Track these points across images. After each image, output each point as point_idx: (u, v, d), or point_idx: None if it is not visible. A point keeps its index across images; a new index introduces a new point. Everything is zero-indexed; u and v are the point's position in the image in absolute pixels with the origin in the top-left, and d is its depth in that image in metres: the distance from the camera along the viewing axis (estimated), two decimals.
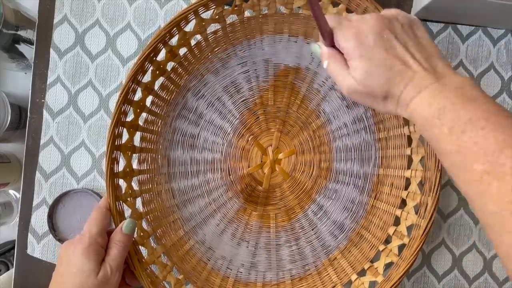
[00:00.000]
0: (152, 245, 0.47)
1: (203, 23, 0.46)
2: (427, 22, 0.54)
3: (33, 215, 0.54)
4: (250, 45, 0.52)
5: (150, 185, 0.50)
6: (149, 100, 0.48)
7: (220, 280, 0.51)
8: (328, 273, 0.51)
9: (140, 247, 0.43)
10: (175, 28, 0.43)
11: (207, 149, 0.54)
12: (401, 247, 0.45)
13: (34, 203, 0.54)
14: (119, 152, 0.43)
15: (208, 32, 0.48)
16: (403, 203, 0.48)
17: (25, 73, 0.62)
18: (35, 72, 0.54)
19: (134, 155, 0.47)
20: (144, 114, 0.48)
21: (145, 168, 0.50)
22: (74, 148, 0.54)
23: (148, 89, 0.46)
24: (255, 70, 0.53)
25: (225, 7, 0.45)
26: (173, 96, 0.52)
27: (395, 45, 0.31)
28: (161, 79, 0.48)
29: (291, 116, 0.54)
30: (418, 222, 0.43)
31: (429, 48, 0.32)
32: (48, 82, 0.54)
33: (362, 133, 0.53)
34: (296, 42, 0.52)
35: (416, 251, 0.41)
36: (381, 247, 0.48)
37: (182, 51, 0.48)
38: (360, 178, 0.53)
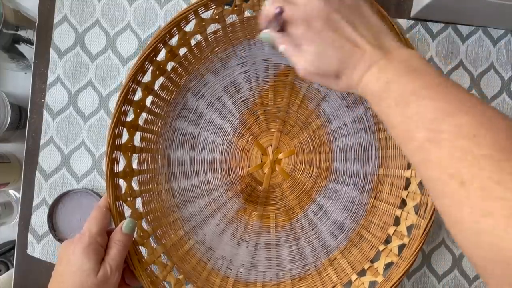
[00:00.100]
0: (152, 245, 0.47)
1: (203, 23, 0.46)
2: (427, 22, 0.54)
3: (33, 215, 0.54)
4: (250, 45, 0.52)
5: (150, 185, 0.50)
6: (149, 100, 0.48)
7: (220, 280, 0.51)
8: (328, 273, 0.51)
9: (140, 247, 0.43)
10: (175, 28, 0.43)
11: (207, 149, 0.54)
12: (401, 247, 0.45)
13: (34, 203, 0.54)
14: (119, 152, 0.43)
15: (208, 32, 0.48)
16: (403, 203, 0.48)
17: (25, 73, 0.62)
18: (35, 72, 0.54)
19: (134, 155, 0.47)
20: (144, 114, 0.48)
21: (145, 168, 0.50)
22: (74, 148, 0.54)
23: (148, 89, 0.46)
24: (255, 70, 0.53)
25: (225, 7, 0.45)
26: (173, 96, 0.52)
27: (343, 26, 0.31)
28: (161, 79, 0.48)
29: (291, 116, 0.54)
30: (418, 222, 0.43)
31: (377, 26, 0.32)
32: (48, 82, 0.54)
33: (362, 133, 0.53)
34: None
35: (416, 251, 0.41)
36: (381, 247, 0.48)
37: (182, 51, 0.48)
38: (360, 178, 0.53)
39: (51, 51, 0.54)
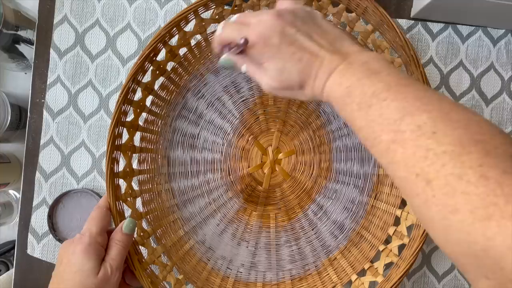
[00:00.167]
0: (152, 245, 0.47)
1: (203, 23, 0.46)
2: (427, 22, 0.54)
3: (33, 215, 0.54)
4: None
5: (150, 185, 0.50)
6: (149, 100, 0.48)
7: (220, 280, 0.51)
8: (328, 273, 0.51)
9: (140, 247, 0.43)
10: (175, 28, 0.43)
11: (207, 149, 0.54)
12: (401, 247, 0.45)
13: (34, 203, 0.54)
14: (119, 152, 0.43)
15: (208, 32, 0.48)
16: (403, 203, 0.48)
17: (25, 73, 0.62)
18: (35, 72, 0.54)
19: (134, 155, 0.47)
20: (144, 114, 0.48)
21: (145, 168, 0.50)
22: (74, 148, 0.54)
23: (148, 89, 0.46)
24: None
25: (225, 7, 0.45)
26: (173, 96, 0.52)
27: (299, 38, 0.32)
28: (161, 79, 0.48)
29: (291, 116, 0.54)
30: (418, 222, 0.43)
31: (332, 32, 0.33)
32: (48, 82, 0.54)
33: None
34: None
35: (416, 251, 0.41)
36: (381, 247, 0.48)
37: (182, 51, 0.48)
38: (360, 178, 0.53)
39: (51, 51, 0.54)
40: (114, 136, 0.41)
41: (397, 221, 0.48)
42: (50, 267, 0.53)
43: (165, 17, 0.54)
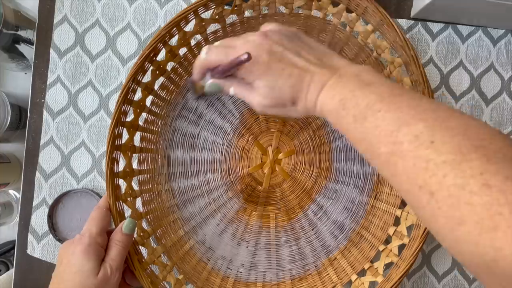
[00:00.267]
0: (152, 245, 0.47)
1: (203, 23, 0.46)
2: (427, 22, 0.54)
3: (33, 215, 0.54)
4: None
5: (150, 185, 0.50)
6: (149, 100, 0.48)
7: (220, 280, 0.51)
8: (328, 273, 0.51)
9: (140, 247, 0.43)
10: (175, 28, 0.43)
11: (207, 149, 0.54)
12: (401, 247, 0.45)
13: (34, 203, 0.54)
14: (119, 152, 0.43)
15: (208, 32, 0.48)
16: (403, 203, 0.48)
17: (25, 73, 0.62)
18: (35, 72, 0.54)
19: (134, 155, 0.47)
20: (144, 114, 0.48)
21: (145, 168, 0.50)
22: (74, 148, 0.54)
23: (148, 89, 0.46)
24: None
25: (225, 7, 0.45)
26: (173, 96, 0.52)
27: (287, 55, 0.32)
28: (161, 79, 0.48)
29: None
30: (418, 222, 0.43)
31: (319, 49, 0.33)
32: (48, 82, 0.54)
33: None
34: None
35: (416, 251, 0.41)
36: (381, 247, 0.48)
37: (182, 51, 0.48)
38: (360, 178, 0.53)
39: (51, 51, 0.54)
40: (114, 136, 0.41)
41: (397, 221, 0.48)
42: (50, 267, 0.53)
43: (165, 17, 0.54)
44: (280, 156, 0.54)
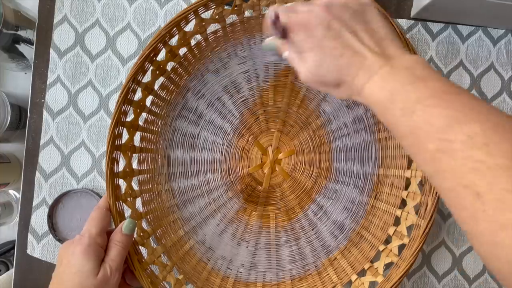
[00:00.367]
0: (152, 245, 0.47)
1: (203, 23, 0.46)
2: (427, 22, 0.54)
3: (33, 215, 0.54)
4: (250, 45, 0.52)
5: (150, 185, 0.50)
6: (149, 100, 0.48)
7: (220, 280, 0.51)
8: (328, 273, 0.51)
9: (140, 247, 0.43)
10: (175, 28, 0.43)
11: (207, 149, 0.54)
12: (401, 247, 0.45)
13: (34, 203, 0.54)
14: (119, 152, 0.43)
15: (208, 32, 0.48)
16: (403, 203, 0.48)
17: (25, 73, 0.62)
18: (35, 72, 0.54)
19: (134, 155, 0.47)
20: (144, 114, 0.48)
21: (145, 168, 0.50)
22: (74, 148, 0.54)
23: (148, 89, 0.46)
24: (255, 70, 0.53)
25: (225, 7, 0.45)
26: (173, 96, 0.52)
27: (343, 34, 0.31)
28: (161, 79, 0.48)
29: (291, 116, 0.54)
30: (418, 222, 0.43)
31: (381, 32, 0.32)
32: (48, 82, 0.54)
33: (362, 133, 0.53)
34: None
35: (416, 251, 0.41)
36: (381, 247, 0.48)
37: (182, 51, 0.48)
38: (360, 178, 0.53)
39: (51, 51, 0.54)
40: (114, 136, 0.41)
41: (397, 221, 0.48)
42: (50, 267, 0.53)
43: (165, 17, 0.54)
44: (280, 156, 0.54)
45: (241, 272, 0.52)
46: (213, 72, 0.53)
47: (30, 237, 0.53)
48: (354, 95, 0.32)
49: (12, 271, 0.55)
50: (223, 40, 0.51)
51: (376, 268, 0.47)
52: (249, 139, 0.54)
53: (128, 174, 0.45)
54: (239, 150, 0.54)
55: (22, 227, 0.54)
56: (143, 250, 0.43)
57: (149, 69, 0.44)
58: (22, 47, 0.55)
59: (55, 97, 0.54)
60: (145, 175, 0.49)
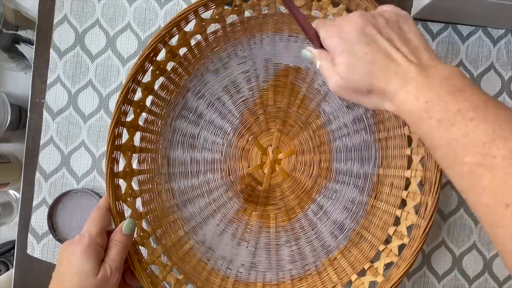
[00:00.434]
0: (152, 245, 0.47)
1: (203, 23, 0.46)
2: (427, 22, 0.54)
3: (33, 215, 0.54)
4: (250, 45, 0.52)
5: (150, 185, 0.50)
6: (149, 100, 0.48)
7: (220, 280, 0.51)
8: (328, 273, 0.51)
9: (140, 247, 0.43)
10: (175, 28, 0.43)
11: (207, 149, 0.54)
12: (401, 247, 0.45)
13: (34, 203, 0.54)
14: (119, 152, 0.43)
15: (208, 32, 0.48)
16: (403, 203, 0.48)
17: (25, 73, 0.62)
18: (35, 72, 0.54)
19: (134, 155, 0.47)
20: (144, 114, 0.48)
21: (145, 168, 0.50)
22: (74, 148, 0.54)
23: (148, 89, 0.46)
24: (255, 70, 0.53)
25: (225, 7, 0.45)
26: (173, 96, 0.52)
27: (377, 40, 0.31)
28: (161, 79, 0.48)
29: (291, 116, 0.54)
30: (418, 222, 0.43)
31: (415, 40, 0.32)
32: (48, 82, 0.54)
33: (362, 133, 0.53)
34: (296, 42, 0.52)
35: (416, 251, 0.41)
36: (381, 247, 0.48)
37: (182, 51, 0.48)
38: (360, 178, 0.53)
39: (51, 51, 0.54)
40: (114, 136, 0.41)
41: (397, 221, 0.48)
42: (50, 267, 0.53)
43: (165, 17, 0.54)
44: (280, 156, 0.54)
45: (241, 272, 0.52)
46: (213, 72, 0.53)
47: (30, 237, 0.53)
48: (386, 103, 0.31)
49: (12, 271, 0.55)
50: (223, 40, 0.51)
51: (376, 268, 0.47)
52: (249, 139, 0.54)
53: (128, 174, 0.45)
54: (239, 150, 0.54)
55: (22, 227, 0.54)
56: (143, 250, 0.43)
57: (149, 69, 0.44)
58: (22, 47, 0.55)
59: (55, 97, 0.54)
60: (145, 175, 0.49)
